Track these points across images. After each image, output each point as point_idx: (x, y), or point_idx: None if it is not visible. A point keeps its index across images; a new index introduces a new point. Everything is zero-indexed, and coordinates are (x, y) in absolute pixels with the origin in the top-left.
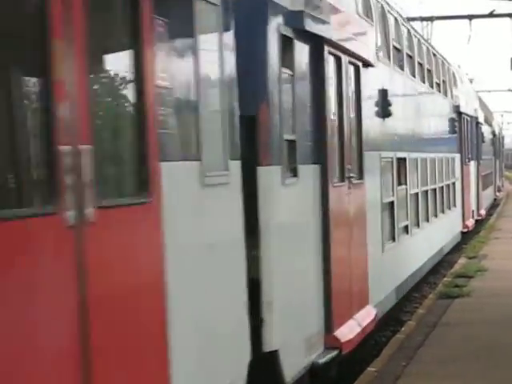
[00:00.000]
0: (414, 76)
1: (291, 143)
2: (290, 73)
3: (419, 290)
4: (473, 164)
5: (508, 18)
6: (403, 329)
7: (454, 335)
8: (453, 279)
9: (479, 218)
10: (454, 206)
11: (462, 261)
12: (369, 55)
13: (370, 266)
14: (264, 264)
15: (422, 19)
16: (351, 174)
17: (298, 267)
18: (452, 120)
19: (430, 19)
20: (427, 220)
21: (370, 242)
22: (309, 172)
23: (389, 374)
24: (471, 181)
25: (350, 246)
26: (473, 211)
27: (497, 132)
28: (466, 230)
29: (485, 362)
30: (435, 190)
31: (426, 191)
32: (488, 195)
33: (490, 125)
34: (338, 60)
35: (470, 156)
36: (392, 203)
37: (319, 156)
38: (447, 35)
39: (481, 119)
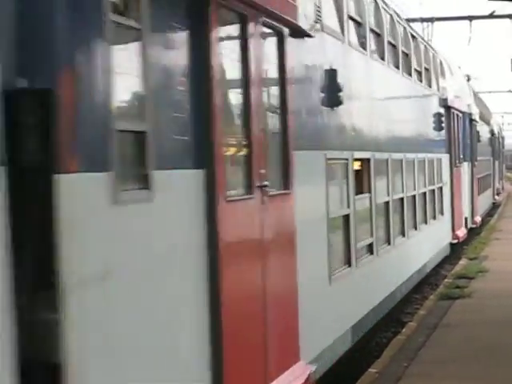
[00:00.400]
0: (383, 58)
1: (138, 137)
2: (136, 26)
3: (420, 291)
4: (466, 166)
5: (508, 19)
6: (404, 330)
7: (454, 336)
8: (454, 280)
9: (474, 226)
10: (442, 214)
11: (462, 262)
12: (301, 19)
13: (303, 305)
14: (69, 338)
15: (423, 20)
16: (266, 183)
17: (156, 331)
18: (438, 115)
19: (431, 20)
20: (403, 234)
21: (305, 272)
22: (179, 181)
23: (390, 375)
24: (463, 184)
25: (262, 283)
26: (466, 219)
27: (496, 131)
28: (456, 241)
29: (486, 362)
30: (414, 196)
31: (402, 199)
32: (485, 199)
33: (488, 123)
34: (241, 18)
35: (461, 157)
36: (347, 217)
37: (201, 157)
38: (448, 36)
39: (475, 116)
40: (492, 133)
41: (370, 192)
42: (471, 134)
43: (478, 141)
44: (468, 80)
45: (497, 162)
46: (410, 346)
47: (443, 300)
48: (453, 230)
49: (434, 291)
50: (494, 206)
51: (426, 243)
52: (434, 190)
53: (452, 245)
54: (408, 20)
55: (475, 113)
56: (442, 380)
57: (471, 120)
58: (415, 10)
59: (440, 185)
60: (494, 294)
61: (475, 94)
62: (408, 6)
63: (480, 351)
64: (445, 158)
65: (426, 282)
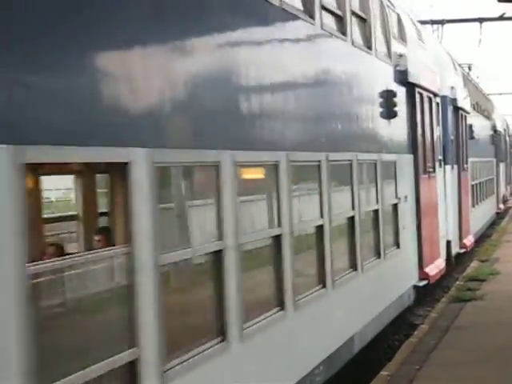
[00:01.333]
0: None
1: None
2: None
3: (432, 294)
4: (448, 170)
5: None
6: (416, 332)
7: (466, 338)
8: (465, 283)
9: (462, 250)
10: (396, 246)
11: (474, 264)
12: None
13: None
14: None
15: (433, 22)
16: None
17: None
18: (389, 95)
19: (441, 22)
20: (280, 306)
21: None
22: None
23: (402, 377)
24: (443, 196)
25: None
26: (448, 243)
27: (500, 128)
28: (425, 282)
29: (497, 364)
30: (321, 228)
31: (278, 238)
32: (484, 211)
33: (488, 117)
34: None
35: (439, 158)
36: None
37: None
38: (458, 38)
39: (463, 104)
40: (494, 129)
41: (128, 243)
42: (458, 128)
43: (471, 137)
44: (469, 70)
45: (502, 165)
46: (422, 348)
47: (455, 302)
48: (420, 266)
49: (446, 294)
50: (499, 217)
51: (359, 303)
52: (376, 212)
53: (420, 287)
54: (419, 22)
55: (463, 99)
56: (453, 382)
57: (457, 109)
58: (426, 12)
59: (393, 201)
60: (506, 296)
61: (467, 78)
62: (418, 9)
63: (492, 353)
64: (404, 161)
65: (438, 284)
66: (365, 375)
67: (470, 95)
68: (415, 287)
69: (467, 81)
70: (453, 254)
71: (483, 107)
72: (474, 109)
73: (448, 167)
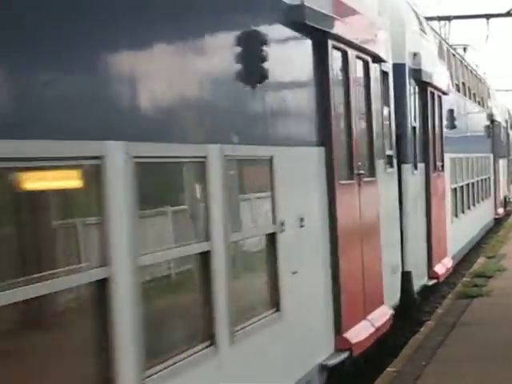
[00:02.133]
0: None
1: None
2: None
3: (438, 291)
4: (406, 172)
5: None
6: (422, 329)
7: (473, 335)
8: (472, 279)
9: (432, 282)
10: (275, 309)
11: (480, 260)
12: None
13: None
14: None
15: (440, 19)
16: None
17: None
18: (248, 41)
19: (448, 19)
20: None
21: None
22: None
23: (408, 373)
24: (394, 211)
25: None
26: (406, 276)
27: (499, 118)
28: (345, 354)
29: (504, 360)
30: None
31: None
32: (475, 219)
33: (482, 103)
34: None
35: (388, 153)
36: None
37: None
38: (466, 35)
39: (436, 79)
40: (491, 118)
41: None
42: (427, 112)
43: (452, 127)
44: (464, 50)
45: (502, 161)
46: (429, 344)
47: (461, 299)
48: (338, 329)
49: (452, 290)
50: (497, 224)
51: None
52: (205, 256)
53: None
54: (426, 18)
55: (436, 73)
56: (460, 378)
57: (425, 85)
58: (433, 8)
59: (266, 230)
60: None
61: (447, 48)
62: (426, 5)
63: (499, 349)
64: (299, 158)
65: (445, 281)
66: (371, 371)
67: (452, 72)
68: (324, 367)
69: (447, 52)
70: (416, 290)
71: (474, 90)
72: (458, 90)
73: (407, 167)
